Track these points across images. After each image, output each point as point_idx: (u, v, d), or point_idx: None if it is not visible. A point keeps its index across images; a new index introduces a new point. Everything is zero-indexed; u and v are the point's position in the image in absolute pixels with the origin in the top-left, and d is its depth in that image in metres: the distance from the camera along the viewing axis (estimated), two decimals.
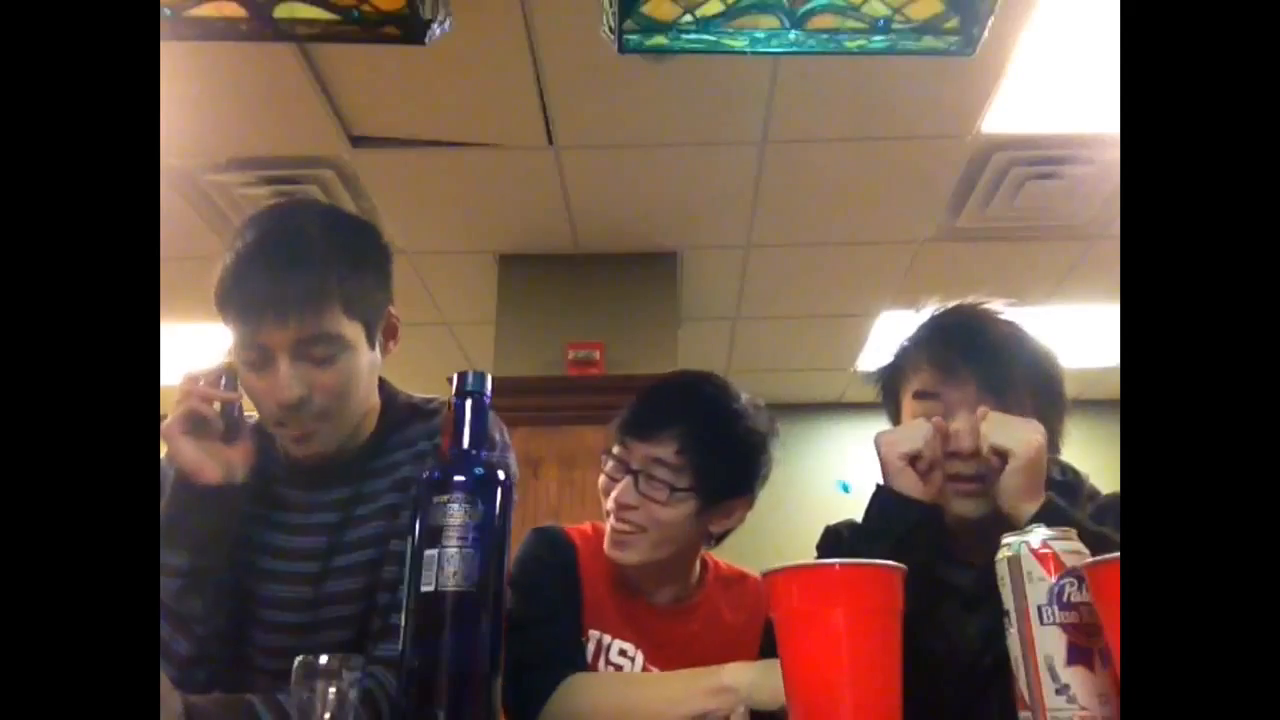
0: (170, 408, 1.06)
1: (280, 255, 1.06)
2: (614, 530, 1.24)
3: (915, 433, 1.09)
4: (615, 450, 1.26)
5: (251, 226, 1.11)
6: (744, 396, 1.30)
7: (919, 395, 1.15)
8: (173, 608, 1.04)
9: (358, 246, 1.14)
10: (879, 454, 1.10)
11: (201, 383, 1.09)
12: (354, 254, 1.12)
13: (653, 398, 1.28)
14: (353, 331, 1.09)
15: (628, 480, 1.23)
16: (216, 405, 1.08)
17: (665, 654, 1.27)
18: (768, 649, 1.23)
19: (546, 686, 1.14)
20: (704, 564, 1.36)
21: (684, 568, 1.31)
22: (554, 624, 1.22)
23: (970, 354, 1.13)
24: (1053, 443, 1.13)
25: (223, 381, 1.11)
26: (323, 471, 1.15)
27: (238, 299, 1.06)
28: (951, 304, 1.23)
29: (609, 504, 1.25)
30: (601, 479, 1.28)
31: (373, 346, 1.14)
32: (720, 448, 1.24)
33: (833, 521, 1.32)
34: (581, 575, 1.28)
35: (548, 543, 1.30)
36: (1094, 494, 1.16)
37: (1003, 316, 1.20)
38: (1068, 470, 1.18)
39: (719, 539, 1.32)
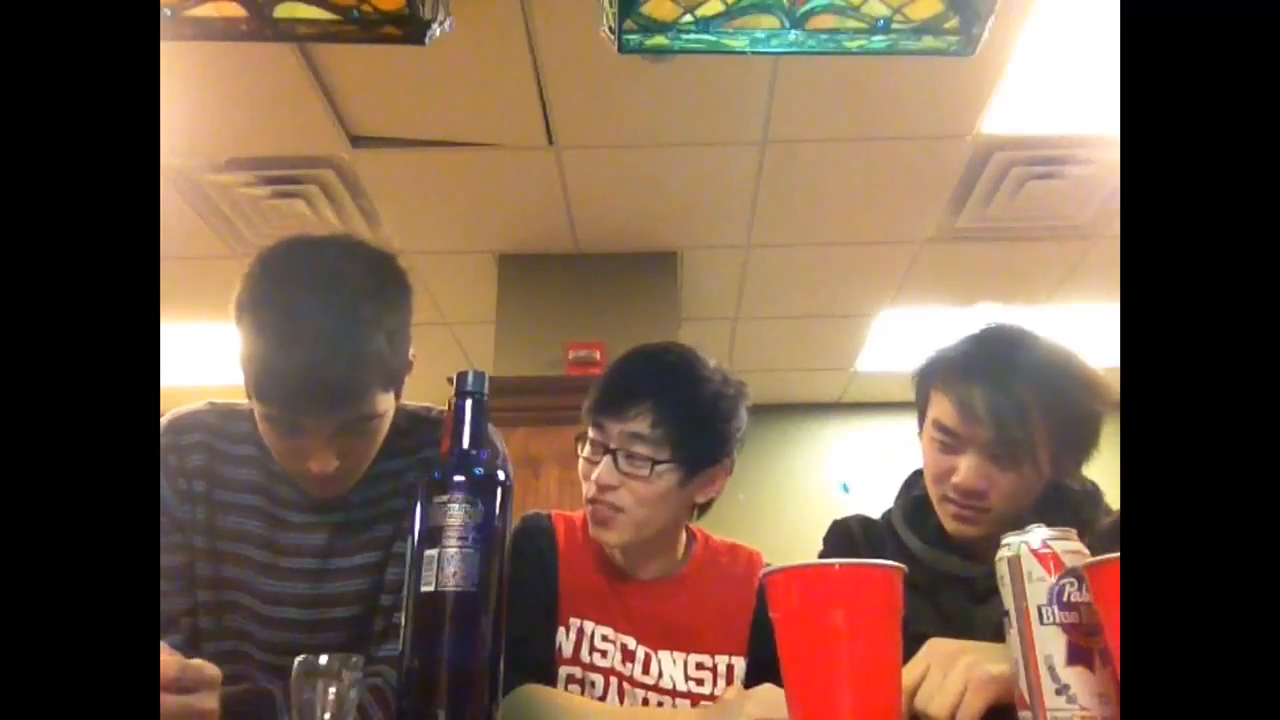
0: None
1: (324, 351, 0.99)
2: (595, 512, 1.22)
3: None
4: (590, 433, 1.23)
5: (277, 282, 1.04)
6: (711, 362, 1.28)
7: (939, 426, 1.16)
8: None
9: (402, 307, 1.10)
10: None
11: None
12: (397, 320, 1.08)
13: (619, 374, 1.26)
14: (386, 403, 1.08)
15: (607, 460, 1.20)
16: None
17: (651, 630, 1.24)
18: (760, 620, 1.21)
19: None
20: (692, 536, 1.34)
21: (670, 542, 1.29)
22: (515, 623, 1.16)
23: (993, 402, 1.11)
24: (1069, 471, 1.15)
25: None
26: None
27: (266, 381, 1.01)
28: (996, 325, 1.20)
29: (590, 488, 1.22)
30: (581, 464, 1.25)
31: (398, 397, 1.12)
32: (694, 415, 1.21)
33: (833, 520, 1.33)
34: (560, 564, 1.26)
35: (525, 533, 1.28)
36: (1109, 509, 1.17)
37: (1044, 347, 1.16)
38: (1088, 481, 1.18)
39: (703, 509, 1.30)
